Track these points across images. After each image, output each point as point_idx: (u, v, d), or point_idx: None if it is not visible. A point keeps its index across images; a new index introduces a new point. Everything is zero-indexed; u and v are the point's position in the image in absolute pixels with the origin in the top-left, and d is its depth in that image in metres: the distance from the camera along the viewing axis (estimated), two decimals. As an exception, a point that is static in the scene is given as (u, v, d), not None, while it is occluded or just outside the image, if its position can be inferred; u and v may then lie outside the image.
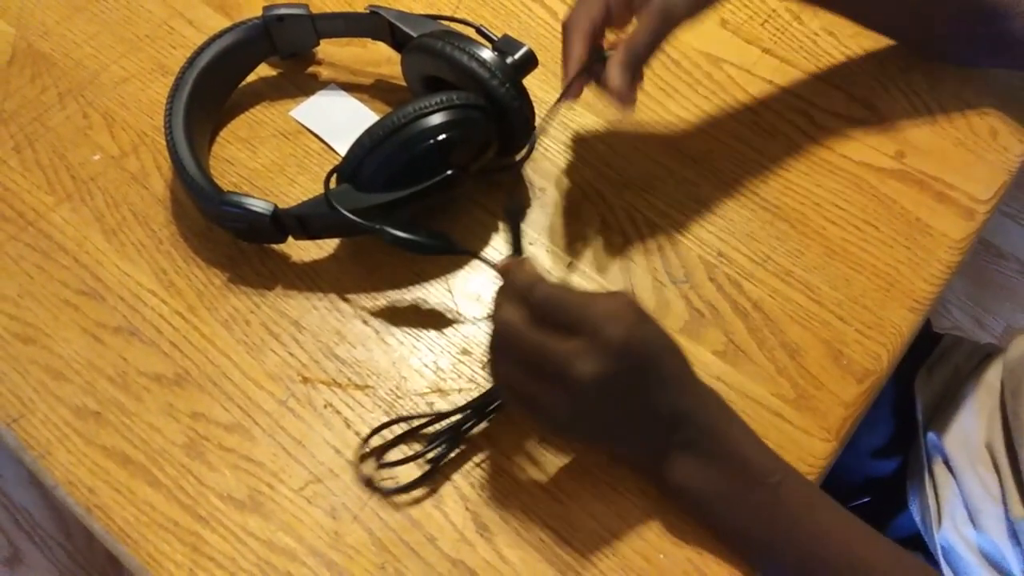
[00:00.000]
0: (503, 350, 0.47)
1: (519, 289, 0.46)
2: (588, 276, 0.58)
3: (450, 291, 0.57)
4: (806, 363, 0.55)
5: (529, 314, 0.45)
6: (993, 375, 0.68)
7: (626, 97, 0.52)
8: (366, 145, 0.54)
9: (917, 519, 0.69)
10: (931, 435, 0.69)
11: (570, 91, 0.55)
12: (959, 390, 0.71)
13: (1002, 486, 0.63)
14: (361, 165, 0.54)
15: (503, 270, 0.49)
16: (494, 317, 0.46)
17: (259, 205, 0.55)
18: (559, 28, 0.68)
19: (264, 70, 0.66)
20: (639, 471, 0.51)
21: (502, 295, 0.47)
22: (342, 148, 0.63)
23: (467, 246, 0.58)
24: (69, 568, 1.01)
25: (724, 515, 0.48)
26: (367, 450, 0.52)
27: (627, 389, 0.45)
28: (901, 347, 0.56)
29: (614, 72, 0.52)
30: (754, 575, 0.49)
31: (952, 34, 0.64)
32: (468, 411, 0.52)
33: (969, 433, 0.67)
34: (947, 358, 0.76)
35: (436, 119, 0.54)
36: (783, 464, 0.48)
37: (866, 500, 0.75)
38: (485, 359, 0.54)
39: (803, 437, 0.53)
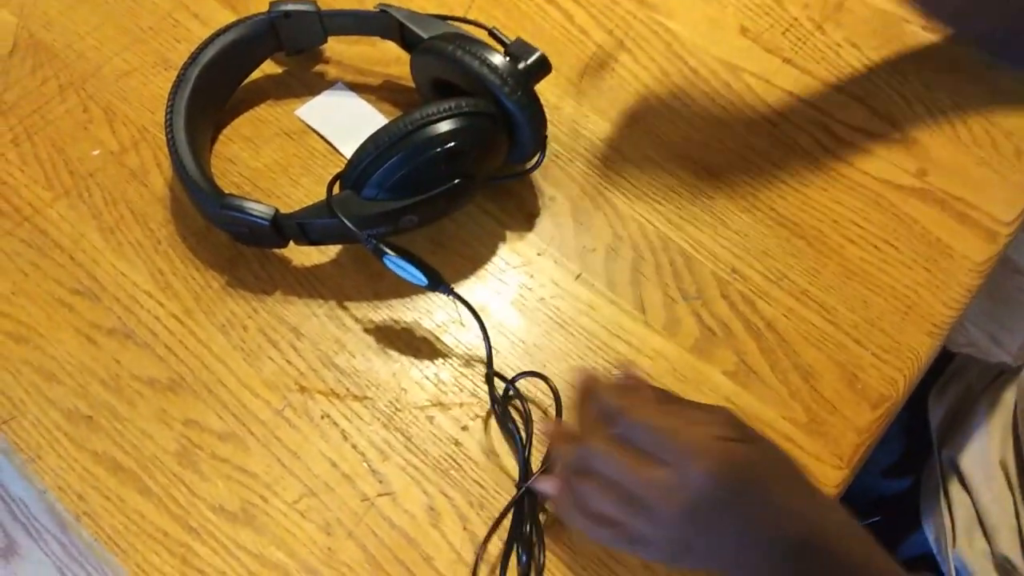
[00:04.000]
0: (585, 474, 0.43)
1: (604, 409, 0.43)
2: (597, 289, 0.56)
3: (454, 301, 0.56)
4: (820, 387, 0.53)
5: (613, 436, 0.42)
6: (1008, 395, 0.67)
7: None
8: (371, 152, 0.52)
9: (931, 538, 0.68)
10: (946, 453, 0.68)
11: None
12: (972, 408, 0.69)
13: (1016, 504, 0.61)
14: (365, 172, 0.53)
15: (584, 389, 0.45)
16: (580, 440, 0.43)
17: (259, 209, 0.53)
18: (574, 30, 0.67)
19: (270, 67, 0.64)
20: None
21: (583, 414, 0.44)
22: (347, 150, 0.61)
23: (473, 253, 0.56)
24: (64, 562, 0.99)
25: None
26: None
27: (725, 524, 0.41)
28: (918, 372, 0.55)
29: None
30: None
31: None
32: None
33: (984, 452, 0.66)
34: (959, 377, 0.74)
35: (444, 127, 0.52)
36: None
37: (878, 519, 0.74)
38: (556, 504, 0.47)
39: (814, 463, 0.51)
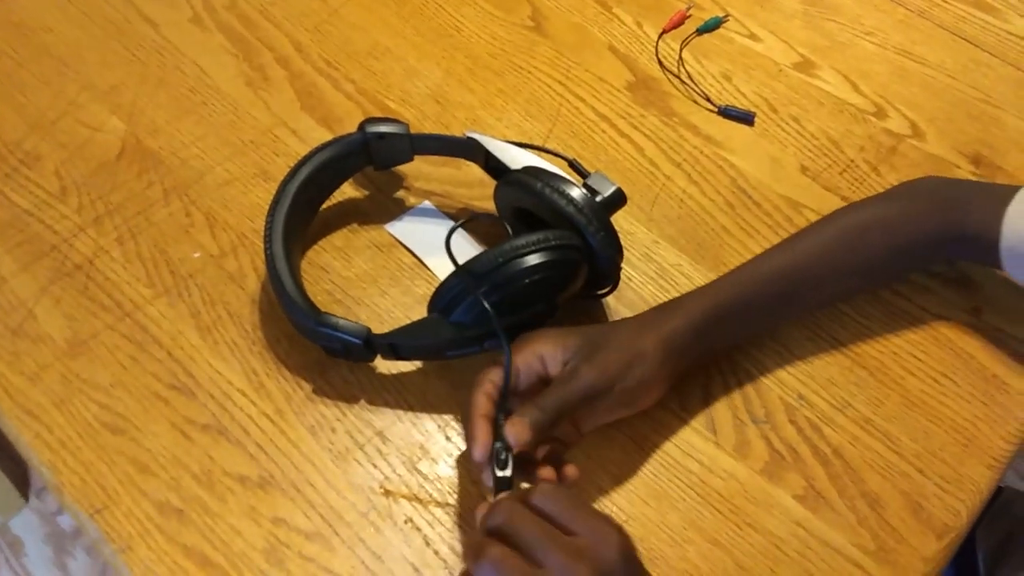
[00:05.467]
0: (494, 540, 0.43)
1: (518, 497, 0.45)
2: (669, 407, 0.59)
3: (534, 414, 0.58)
4: (886, 515, 0.55)
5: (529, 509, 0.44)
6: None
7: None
8: (463, 280, 0.55)
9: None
10: (994, 586, 0.69)
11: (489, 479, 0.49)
12: (1019, 542, 0.70)
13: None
14: (456, 300, 0.55)
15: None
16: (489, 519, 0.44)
17: (352, 330, 0.55)
18: (644, 162, 0.71)
19: (361, 181, 0.69)
20: None
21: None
22: (433, 264, 0.65)
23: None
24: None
25: None
26: None
27: None
28: (980, 504, 0.56)
29: (517, 427, 0.49)
30: None
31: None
32: None
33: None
34: (1007, 510, 0.75)
35: (533, 259, 0.55)
36: None
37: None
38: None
39: (883, 592, 0.53)
